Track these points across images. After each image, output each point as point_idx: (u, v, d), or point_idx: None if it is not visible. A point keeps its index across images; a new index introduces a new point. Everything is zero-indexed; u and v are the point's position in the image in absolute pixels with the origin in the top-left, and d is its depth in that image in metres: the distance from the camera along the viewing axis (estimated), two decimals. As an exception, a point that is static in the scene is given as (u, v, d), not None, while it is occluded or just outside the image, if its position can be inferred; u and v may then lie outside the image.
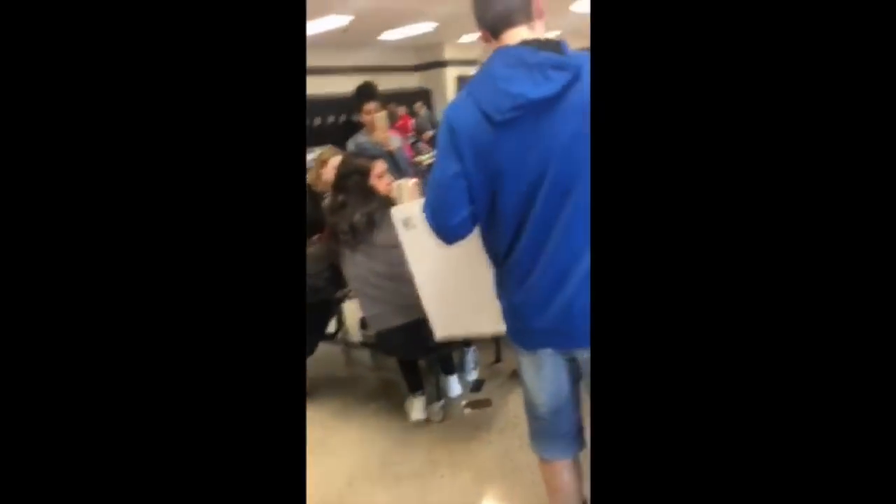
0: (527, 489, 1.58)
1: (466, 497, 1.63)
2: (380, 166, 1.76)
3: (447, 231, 1.03)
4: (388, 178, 1.79)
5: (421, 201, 1.13)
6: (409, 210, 1.45)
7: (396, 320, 1.78)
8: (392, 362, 2.33)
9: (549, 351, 1.07)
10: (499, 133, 0.91)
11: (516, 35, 0.95)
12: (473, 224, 1.02)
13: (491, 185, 0.96)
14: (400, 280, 1.76)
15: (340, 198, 1.80)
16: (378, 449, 1.92)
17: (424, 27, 6.91)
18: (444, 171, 0.98)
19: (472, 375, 2.28)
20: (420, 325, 1.76)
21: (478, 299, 1.14)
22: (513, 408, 2.02)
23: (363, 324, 2.67)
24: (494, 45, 0.98)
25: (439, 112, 8.66)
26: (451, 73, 8.95)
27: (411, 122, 6.66)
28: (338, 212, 1.79)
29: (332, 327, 2.62)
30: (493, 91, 0.91)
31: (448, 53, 8.77)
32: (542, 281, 0.98)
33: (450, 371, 2.15)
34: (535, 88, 0.88)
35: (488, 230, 1.03)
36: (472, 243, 1.07)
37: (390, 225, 1.76)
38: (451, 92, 8.96)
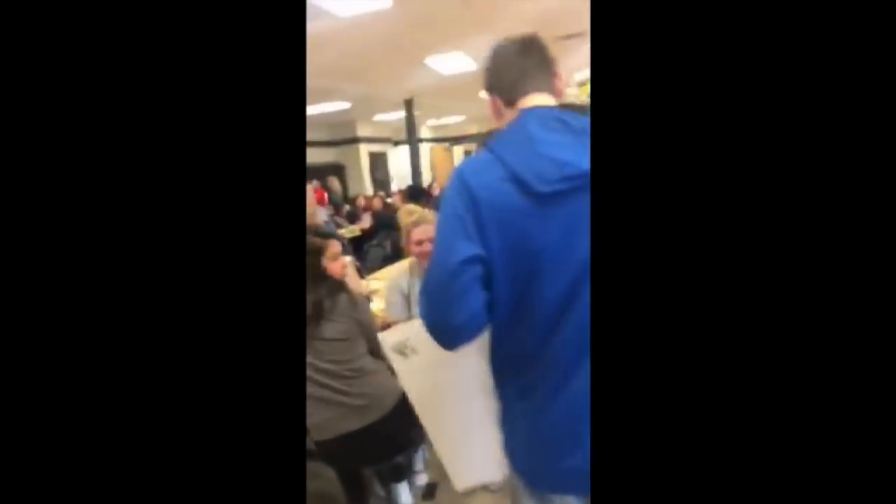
0: None
1: None
2: (334, 246, 1.56)
3: (450, 332, 0.78)
4: (342, 260, 1.59)
5: (418, 323, 0.89)
6: (403, 332, 1.11)
7: (350, 425, 1.52)
8: (325, 470, 2.00)
9: (569, 500, 0.82)
10: (540, 208, 0.73)
11: (537, 101, 0.81)
12: (486, 321, 0.79)
13: (521, 273, 0.76)
14: (354, 378, 1.53)
15: None
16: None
17: (338, 105, 6.96)
18: (452, 253, 0.74)
19: (422, 479, 2.02)
20: (379, 428, 1.52)
21: (490, 434, 0.92)
22: (474, 518, 1.79)
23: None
24: (508, 115, 0.84)
25: (353, 187, 8.60)
26: (365, 150, 9.02)
27: (326, 197, 6.48)
28: None
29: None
30: (534, 156, 0.74)
31: (361, 130, 8.87)
32: (580, 402, 0.74)
33: (399, 478, 1.88)
34: (588, 158, 0.72)
35: (507, 330, 0.81)
36: (471, 365, 0.89)
37: (341, 314, 1.54)
38: (365, 167, 8.99)
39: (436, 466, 2.08)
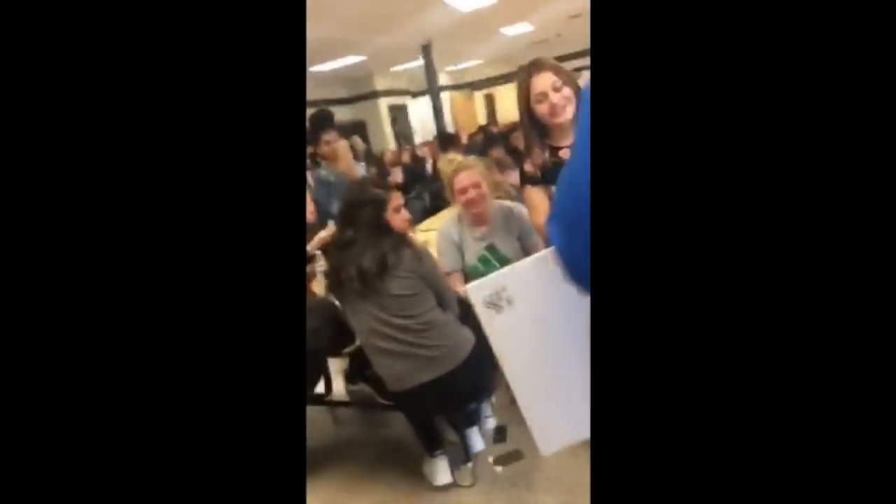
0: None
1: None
2: (396, 198, 1.51)
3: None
4: (404, 213, 1.54)
5: (515, 268, 0.82)
6: (495, 283, 0.97)
7: (424, 376, 1.51)
8: (394, 418, 2.04)
9: None
10: None
11: None
12: None
13: None
14: (423, 331, 1.51)
15: (348, 233, 1.51)
16: (407, 529, 1.64)
17: (353, 59, 6.76)
18: None
19: (491, 422, 2.04)
20: (453, 378, 1.52)
21: (584, 393, 0.85)
22: (549, 459, 1.80)
23: (350, 378, 2.36)
24: None
25: (375, 143, 8.47)
26: (384, 104, 8.82)
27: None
28: (343, 251, 1.50)
29: (320, 387, 2.29)
30: None
31: (379, 84, 8.64)
32: None
33: (471, 423, 1.90)
34: None
35: None
36: (575, 316, 0.83)
37: (406, 269, 1.51)
38: (386, 123, 8.82)
39: (504, 409, 2.10)
